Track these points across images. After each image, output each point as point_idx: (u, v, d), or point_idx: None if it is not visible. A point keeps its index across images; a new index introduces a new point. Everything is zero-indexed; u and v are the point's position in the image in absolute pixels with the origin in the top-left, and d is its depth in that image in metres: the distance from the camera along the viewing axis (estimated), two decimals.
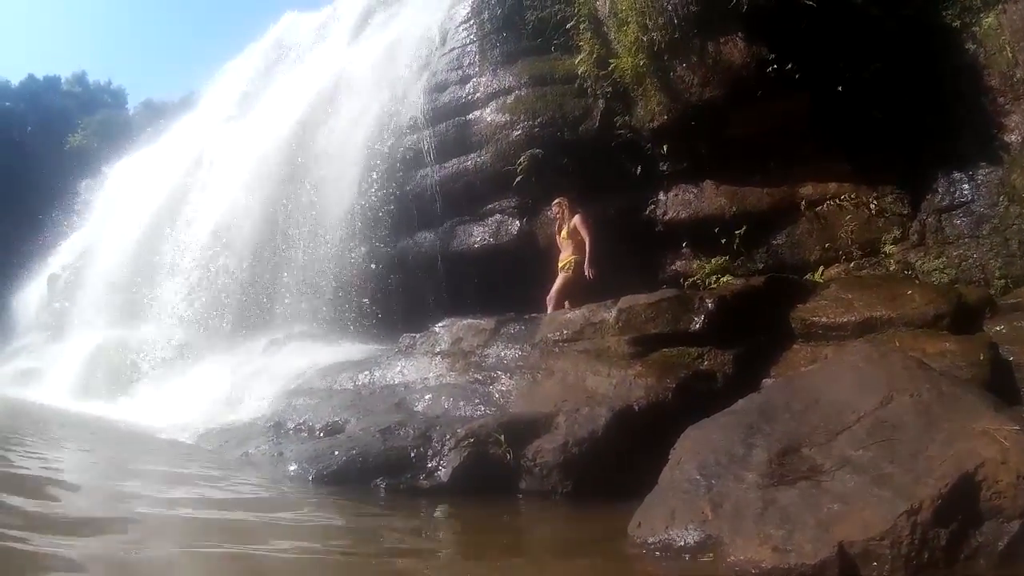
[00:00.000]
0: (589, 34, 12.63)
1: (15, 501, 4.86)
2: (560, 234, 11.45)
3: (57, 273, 25.42)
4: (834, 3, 9.36)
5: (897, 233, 9.58)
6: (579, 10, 12.97)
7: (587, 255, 10.85)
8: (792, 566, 3.70)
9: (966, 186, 9.35)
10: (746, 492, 4.30)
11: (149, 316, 17.55)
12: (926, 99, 9.63)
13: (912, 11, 9.67)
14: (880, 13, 9.56)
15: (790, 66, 9.70)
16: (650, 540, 4.34)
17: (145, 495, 5.84)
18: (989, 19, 9.36)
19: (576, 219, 11.14)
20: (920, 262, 8.85)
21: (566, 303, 10.54)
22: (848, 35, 9.59)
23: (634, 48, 11.20)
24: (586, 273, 10.76)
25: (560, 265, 11.24)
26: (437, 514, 6.00)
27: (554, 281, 11.19)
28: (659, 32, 10.67)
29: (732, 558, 3.93)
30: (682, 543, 4.20)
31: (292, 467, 7.19)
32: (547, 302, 10.93)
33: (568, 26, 13.31)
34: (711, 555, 4.06)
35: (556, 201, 11.52)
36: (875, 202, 9.92)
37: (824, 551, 3.66)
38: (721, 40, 10.33)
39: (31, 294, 28.24)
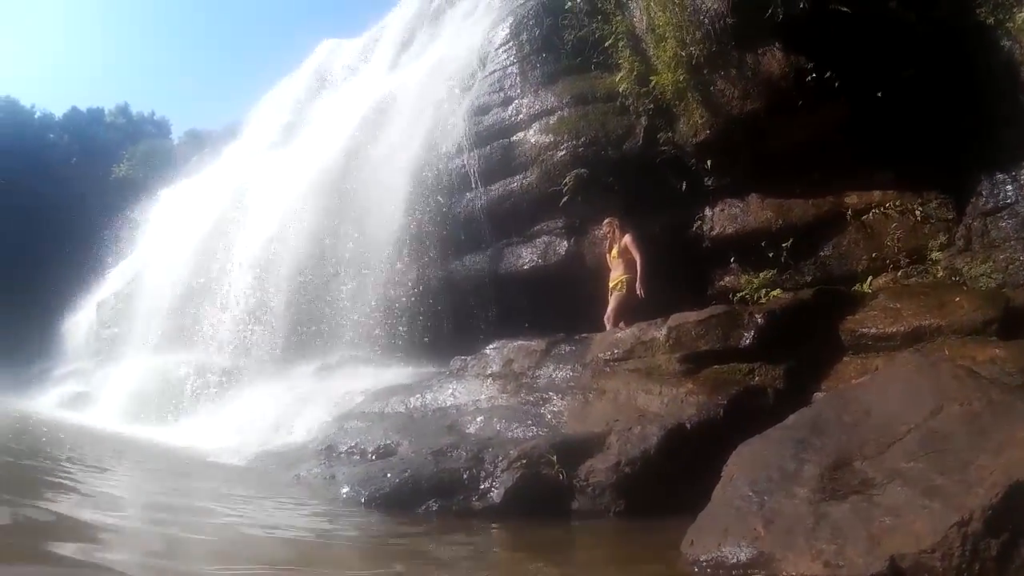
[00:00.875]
0: (628, 51, 12.67)
1: (84, 515, 5.01)
2: (610, 253, 11.45)
3: (106, 300, 25.86)
4: (867, 10, 9.30)
5: (943, 239, 9.47)
6: (617, 27, 13.02)
7: (639, 273, 10.85)
8: None
9: (1009, 187, 9.14)
10: (798, 507, 4.31)
11: (198, 342, 17.72)
12: (964, 100, 9.48)
13: (944, 12, 9.54)
14: (913, 17, 9.48)
15: (828, 74, 9.65)
16: (702, 558, 4.36)
17: (196, 513, 5.96)
18: (1022, 14, 9.21)
19: (626, 238, 11.15)
20: (967, 267, 8.71)
21: (621, 323, 10.52)
22: (883, 41, 9.51)
23: (673, 63, 11.20)
24: (637, 291, 10.78)
25: (612, 285, 11.23)
26: (491, 535, 6.05)
27: (605, 301, 11.19)
28: (697, 46, 10.68)
29: (784, 574, 3.95)
30: (734, 560, 4.22)
31: (344, 489, 7.27)
32: (605, 322, 10.92)
33: (607, 44, 13.35)
34: (763, 572, 4.07)
35: (606, 221, 11.51)
36: (920, 208, 9.83)
37: (875, 565, 3.66)
38: (759, 51, 10.31)
39: (80, 321, 28.90)
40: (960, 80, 9.52)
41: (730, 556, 4.26)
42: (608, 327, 10.71)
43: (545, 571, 5.06)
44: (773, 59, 10.20)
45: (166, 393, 15.63)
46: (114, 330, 23.67)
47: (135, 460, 9.46)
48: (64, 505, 5.40)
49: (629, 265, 11.06)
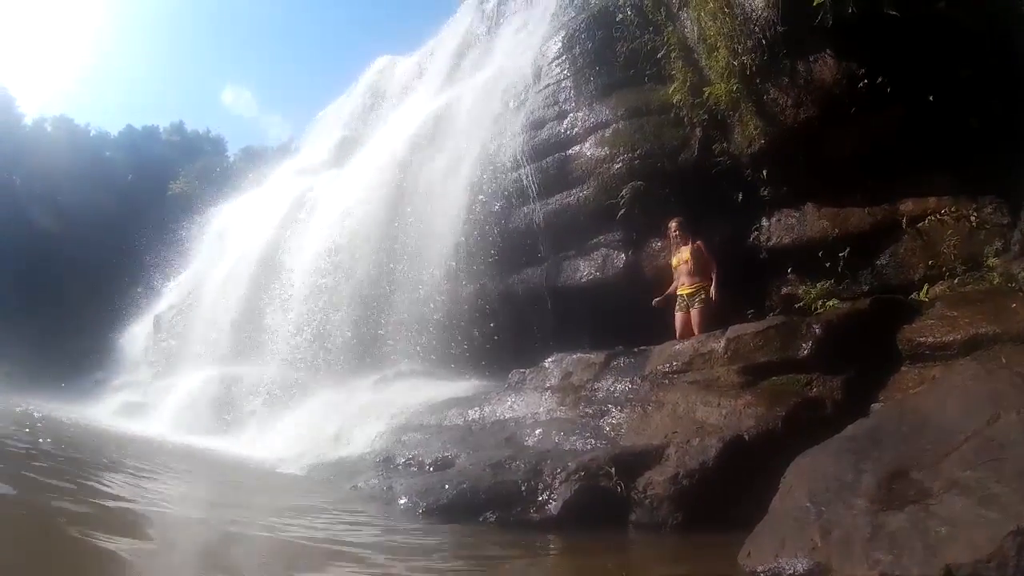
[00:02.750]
0: (680, 62, 12.66)
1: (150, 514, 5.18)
2: (675, 258, 11.41)
3: (163, 313, 26.42)
4: (917, 11, 9.16)
5: (999, 245, 9.26)
6: (668, 39, 13.04)
7: (715, 280, 10.84)
8: None
9: None
10: (855, 518, 4.33)
11: (256, 354, 18.06)
12: (1017, 101, 9.30)
13: (996, 8, 9.39)
14: (964, 15, 9.36)
15: (880, 80, 9.56)
16: (759, 569, 4.40)
17: (255, 522, 6.14)
18: None
19: (699, 244, 11.13)
20: (1022, 273, 8.62)
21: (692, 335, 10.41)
22: (935, 42, 9.37)
23: (726, 73, 11.15)
24: (712, 298, 10.76)
25: (685, 293, 11.11)
26: (548, 547, 6.10)
27: (664, 313, 11.20)
28: (748, 56, 10.63)
29: None
30: (791, 571, 4.26)
31: (402, 500, 7.39)
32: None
33: (659, 56, 13.42)
34: None
35: (675, 222, 11.43)
36: (975, 214, 9.63)
37: (931, 575, 3.69)
38: (811, 59, 10.24)
39: (137, 333, 29.70)
40: (1017, 79, 9.38)
41: (787, 567, 4.30)
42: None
43: None
44: (825, 66, 10.14)
45: (224, 404, 15.99)
46: (171, 342, 24.24)
47: (193, 469, 9.64)
48: (116, 511, 5.54)
49: (700, 273, 11.02)
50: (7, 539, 4.10)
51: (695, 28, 11.99)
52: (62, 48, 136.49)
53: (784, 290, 11.36)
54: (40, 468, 7.15)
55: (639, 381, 8.99)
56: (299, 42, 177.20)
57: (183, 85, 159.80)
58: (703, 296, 10.89)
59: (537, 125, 15.16)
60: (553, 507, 6.65)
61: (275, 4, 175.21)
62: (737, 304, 10.87)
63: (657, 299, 11.36)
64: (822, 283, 10.62)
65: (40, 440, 9.77)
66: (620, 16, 14.48)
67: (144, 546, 4.62)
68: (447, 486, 7.26)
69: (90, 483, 6.49)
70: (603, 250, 13.42)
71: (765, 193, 11.76)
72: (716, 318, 10.41)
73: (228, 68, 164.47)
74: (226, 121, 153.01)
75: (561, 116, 14.87)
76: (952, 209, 9.81)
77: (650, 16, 13.74)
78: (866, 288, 10.33)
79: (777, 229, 11.57)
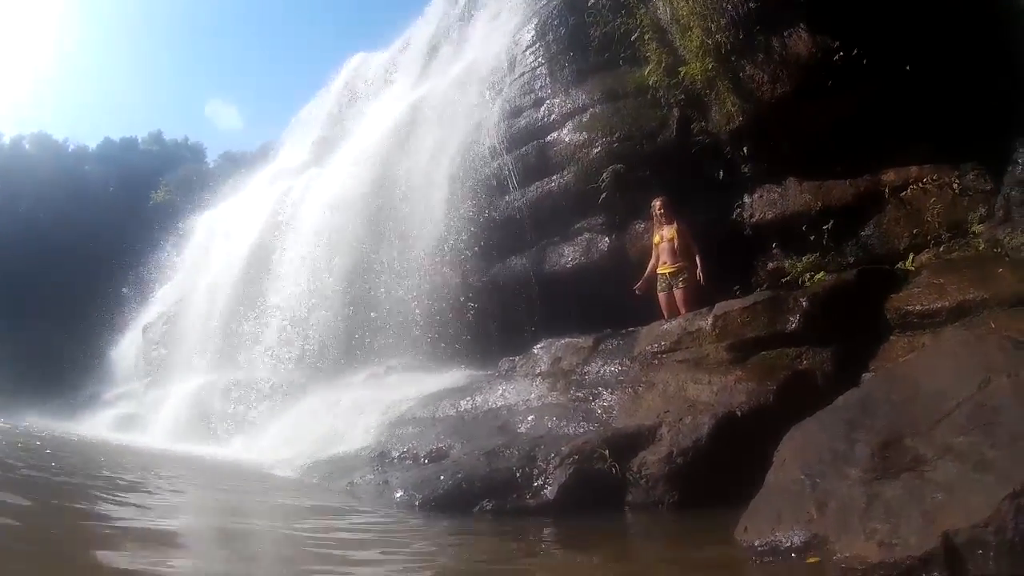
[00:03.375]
0: (654, 44, 12.65)
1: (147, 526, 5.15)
2: (656, 235, 11.40)
3: (152, 322, 26.34)
4: None
5: (983, 211, 9.29)
6: (641, 21, 13.01)
7: (699, 262, 10.85)
8: (898, 560, 3.69)
9: None
10: (850, 488, 4.31)
11: (246, 359, 18.01)
12: (995, 65, 9.25)
13: None
14: None
15: (856, 52, 9.57)
16: (757, 543, 4.39)
17: (256, 525, 6.10)
18: None
19: (680, 227, 11.13)
20: (1008, 238, 8.46)
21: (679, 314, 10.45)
22: (909, 12, 9.37)
23: (701, 52, 11.17)
24: (699, 280, 10.77)
25: (667, 272, 11.11)
26: (545, 532, 6.08)
27: (650, 294, 11.21)
28: (723, 34, 10.65)
29: (838, 556, 3.95)
30: (788, 544, 4.25)
31: (398, 494, 7.38)
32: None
33: (633, 38, 13.36)
34: (818, 555, 4.10)
35: (659, 201, 11.37)
36: (957, 181, 9.66)
37: (929, 542, 3.65)
38: (785, 35, 10.28)
39: (127, 344, 29.60)
40: (992, 45, 9.33)
41: (784, 540, 4.29)
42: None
43: (601, 564, 5.11)
44: (800, 41, 10.16)
45: (217, 411, 15.93)
46: (162, 351, 24.14)
47: (192, 479, 9.56)
48: (118, 520, 5.50)
49: (683, 253, 11.02)
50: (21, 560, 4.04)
51: (668, 9, 12.00)
52: (35, 64, 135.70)
53: (770, 265, 11.40)
54: (43, 487, 7.09)
55: (628, 363, 8.99)
56: (284, 55, 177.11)
57: (166, 100, 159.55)
58: (686, 276, 10.91)
59: (514, 114, 15.17)
60: (549, 492, 6.65)
61: (258, 19, 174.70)
62: (723, 282, 10.86)
63: (638, 284, 11.38)
64: (808, 257, 10.66)
65: (38, 457, 9.70)
66: (592, 0, 14.44)
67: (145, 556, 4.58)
68: (443, 477, 7.26)
69: (90, 499, 6.43)
70: (587, 235, 13.45)
71: (746, 170, 11.80)
72: (700, 297, 10.44)
73: (199, 78, 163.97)
74: (205, 128, 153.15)
75: (538, 103, 14.87)
76: (934, 177, 9.84)
77: None
78: (852, 260, 10.37)
79: (760, 205, 11.60)
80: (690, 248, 11.02)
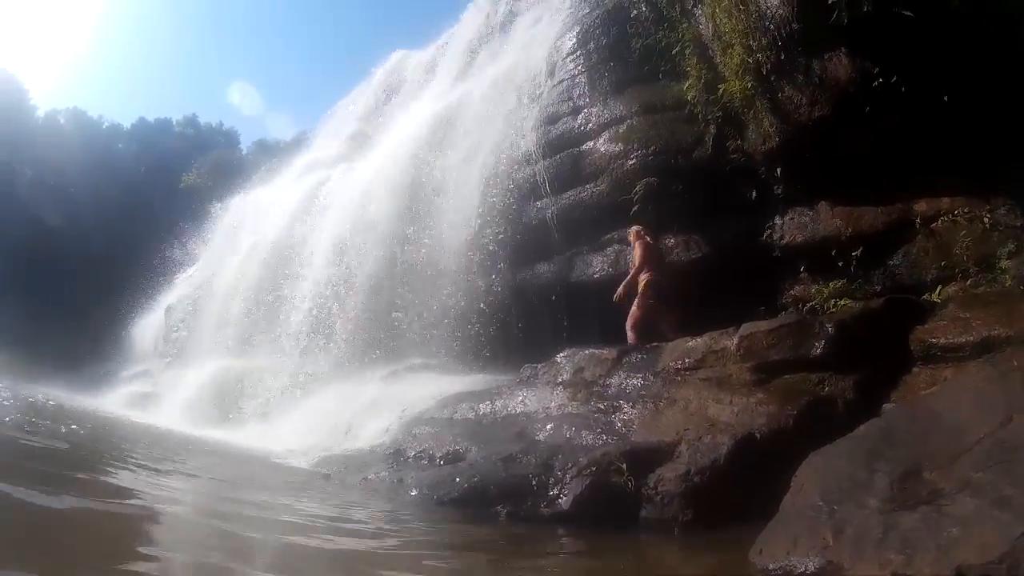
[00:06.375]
0: (695, 59, 12.69)
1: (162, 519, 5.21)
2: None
3: (175, 304, 26.45)
4: (931, 11, 9.11)
5: (1012, 247, 9.20)
6: (683, 35, 13.07)
7: (628, 277, 11.39)
8: None
9: None
10: (867, 517, 4.34)
11: (267, 347, 18.11)
12: None
13: (1011, 8, 9.29)
14: (979, 14, 9.25)
15: (895, 79, 9.52)
16: (771, 567, 4.41)
17: (264, 515, 6.15)
18: None
19: (640, 249, 11.47)
20: None
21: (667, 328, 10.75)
22: (949, 42, 9.32)
23: (741, 71, 11.19)
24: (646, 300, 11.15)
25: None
26: (559, 541, 6.12)
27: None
28: (763, 53, 10.64)
29: None
30: (802, 569, 4.26)
31: (413, 492, 7.47)
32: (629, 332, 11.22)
33: (674, 52, 13.43)
34: None
35: (633, 230, 11.81)
36: (988, 215, 9.58)
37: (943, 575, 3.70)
38: (825, 57, 10.22)
39: (149, 324, 29.75)
40: None
41: (798, 565, 4.30)
42: (631, 338, 11.02)
43: None
44: (840, 64, 10.12)
45: (234, 396, 16.05)
46: (183, 333, 24.30)
47: (202, 463, 9.59)
48: (122, 506, 5.53)
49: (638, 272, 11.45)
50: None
51: (710, 25, 12.00)
52: (73, 39, 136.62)
53: (796, 289, 11.37)
54: (53, 460, 7.18)
55: (651, 377, 8.98)
56: (304, 40, 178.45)
57: (192, 80, 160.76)
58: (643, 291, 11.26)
59: (551, 120, 15.21)
60: (564, 502, 6.66)
61: (281, 1, 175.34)
62: (750, 302, 10.87)
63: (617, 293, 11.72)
64: (835, 282, 10.62)
65: (55, 430, 9.77)
66: (635, 12, 14.52)
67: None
68: (458, 479, 7.31)
69: (101, 478, 6.49)
70: (616, 246, 13.44)
71: (779, 191, 11.77)
72: (727, 317, 10.49)
73: (235, 64, 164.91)
74: (233, 117, 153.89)
75: (575, 111, 14.92)
76: (965, 210, 9.76)
77: (665, 12, 13.77)
78: (878, 288, 10.32)
79: (790, 227, 11.58)
80: (643, 267, 11.36)
